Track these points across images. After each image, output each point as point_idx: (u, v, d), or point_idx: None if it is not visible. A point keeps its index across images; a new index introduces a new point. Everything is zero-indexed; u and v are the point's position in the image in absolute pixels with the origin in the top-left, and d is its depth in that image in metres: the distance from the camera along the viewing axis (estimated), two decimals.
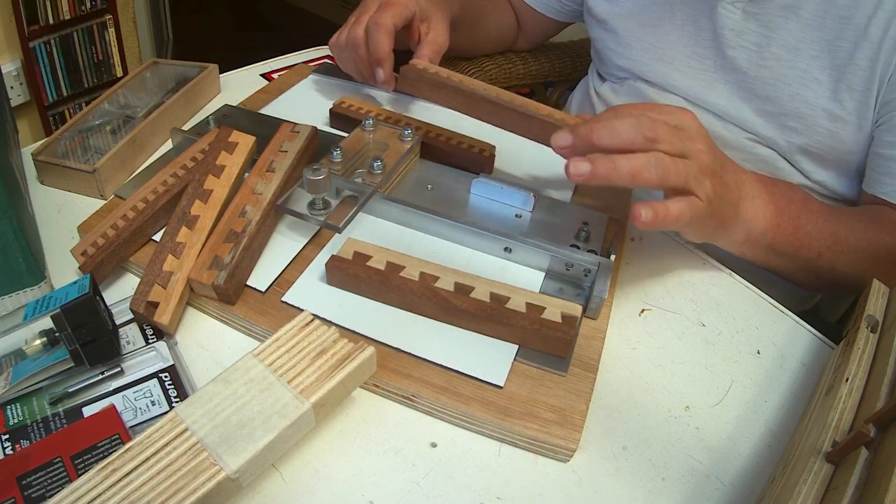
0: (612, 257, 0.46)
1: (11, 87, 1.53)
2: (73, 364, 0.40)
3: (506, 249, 0.49)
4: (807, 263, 0.52)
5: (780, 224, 0.50)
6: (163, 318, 0.42)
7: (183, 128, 0.61)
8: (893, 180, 0.56)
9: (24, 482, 0.34)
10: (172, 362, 0.42)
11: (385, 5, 0.62)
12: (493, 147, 0.60)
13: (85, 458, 0.35)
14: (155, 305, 0.43)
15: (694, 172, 0.41)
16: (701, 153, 0.42)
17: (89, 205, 0.54)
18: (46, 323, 0.40)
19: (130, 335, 0.43)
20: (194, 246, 0.45)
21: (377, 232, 0.52)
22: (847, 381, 0.39)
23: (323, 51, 0.83)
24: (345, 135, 0.59)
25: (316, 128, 0.58)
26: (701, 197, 0.42)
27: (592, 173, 0.40)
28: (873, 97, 0.57)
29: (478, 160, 0.59)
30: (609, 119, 0.41)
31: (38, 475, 0.34)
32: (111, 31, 1.68)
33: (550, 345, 0.43)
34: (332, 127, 0.66)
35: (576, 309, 0.43)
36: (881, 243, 0.53)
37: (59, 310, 0.38)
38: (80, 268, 0.45)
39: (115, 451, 0.33)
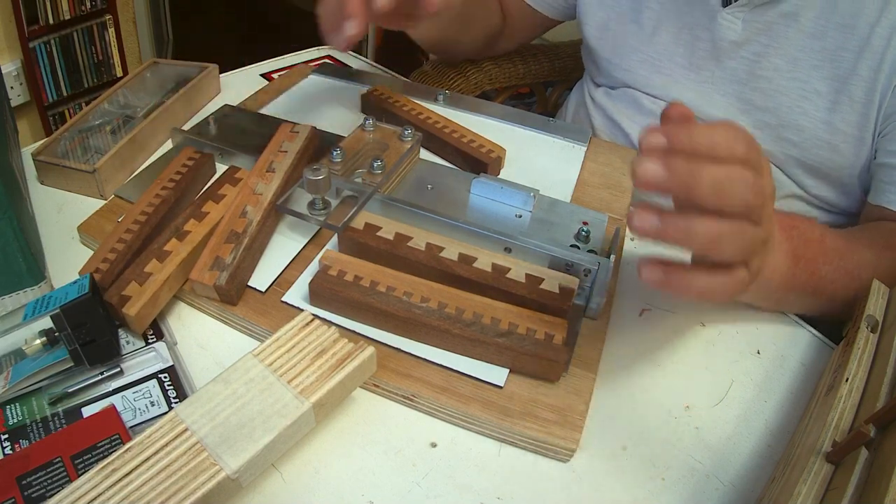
0: (612, 257, 0.46)
1: (11, 87, 1.53)
2: (72, 364, 0.40)
3: (506, 249, 0.49)
4: (819, 304, 0.49)
5: (795, 274, 0.45)
6: (131, 310, 0.41)
7: (183, 128, 0.61)
8: None
9: (24, 482, 0.34)
10: (172, 363, 0.42)
11: None
12: (504, 150, 0.60)
13: (85, 458, 0.35)
14: (128, 298, 0.42)
15: (760, 243, 0.34)
16: (771, 218, 0.35)
17: (89, 205, 0.54)
18: (46, 323, 0.40)
19: (130, 335, 0.43)
20: (180, 254, 0.45)
21: None
22: (847, 381, 0.39)
23: (323, 51, 0.83)
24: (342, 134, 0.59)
25: (315, 128, 0.58)
26: (751, 271, 0.35)
27: (660, 232, 0.32)
28: (875, 108, 0.55)
29: (483, 161, 0.58)
30: (710, 169, 0.31)
31: (38, 475, 0.34)
32: (111, 31, 1.68)
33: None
34: (361, 112, 0.68)
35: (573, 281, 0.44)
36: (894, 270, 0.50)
37: (58, 310, 0.38)
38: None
39: (115, 451, 0.33)
